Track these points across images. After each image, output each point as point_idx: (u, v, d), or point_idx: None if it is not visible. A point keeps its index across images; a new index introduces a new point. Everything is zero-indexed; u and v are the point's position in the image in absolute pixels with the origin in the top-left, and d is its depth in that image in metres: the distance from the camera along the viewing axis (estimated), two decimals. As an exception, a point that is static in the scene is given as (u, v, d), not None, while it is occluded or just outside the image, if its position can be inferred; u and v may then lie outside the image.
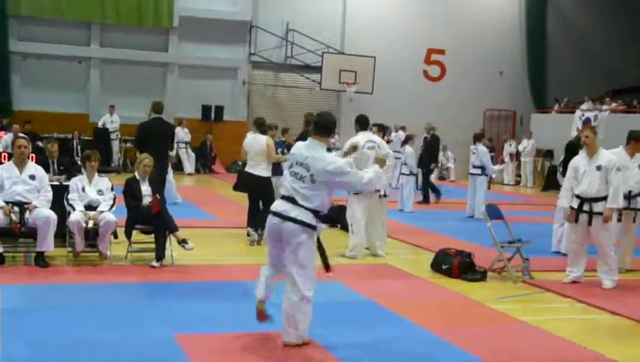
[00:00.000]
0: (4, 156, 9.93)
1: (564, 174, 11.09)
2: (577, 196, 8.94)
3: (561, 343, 6.66)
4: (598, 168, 8.80)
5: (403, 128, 22.44)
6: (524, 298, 8.41)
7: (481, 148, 15.39)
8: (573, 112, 24.98)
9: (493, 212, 9.90)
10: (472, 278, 9.10)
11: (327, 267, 6.10)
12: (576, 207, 8.93)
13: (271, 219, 6.03)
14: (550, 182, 23.68)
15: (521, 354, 6.27)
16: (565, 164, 11.10)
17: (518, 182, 25.78)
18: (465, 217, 15.19)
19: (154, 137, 11.34)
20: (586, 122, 24.13)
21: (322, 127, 6.13)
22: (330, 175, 5.88)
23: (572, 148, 11.11)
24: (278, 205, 6.02)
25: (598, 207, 8.79)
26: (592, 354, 6.34)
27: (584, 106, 24.87)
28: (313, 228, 5.89)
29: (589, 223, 8.85)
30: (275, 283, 6.19)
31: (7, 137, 13.99)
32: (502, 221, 9.79)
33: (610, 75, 27.53)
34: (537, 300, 8.38)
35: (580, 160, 9.07)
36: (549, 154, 24.79)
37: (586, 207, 8.87)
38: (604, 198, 8.76)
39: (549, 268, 9.91)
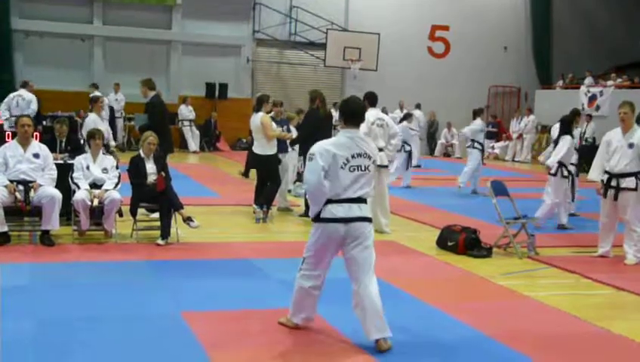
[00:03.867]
0: (8, 135, 9.93)
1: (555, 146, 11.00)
2: (606, 171, 8.97)
3: (566, 318, 6.67)
4: (630, 146, 8.80)
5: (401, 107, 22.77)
6: (529, 273, 8.42)
7: (475, 122, 15.52)
8: (578, 88, 24.92)
9: (499, 188, 9.88)
10: (477, 255, 9.11)
11: None
12: (605, 181, 8.96)
13: (333, 227, 5.48)
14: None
15: (526, 330, 6.27)
16: (557, 140, 11.00)
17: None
18: (469, 193, 15.17)
19: (164, 115, 11.35)
20: (592, 98, 24.11)
21: (356, 115, 5.65)
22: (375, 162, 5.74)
23: (565, 125, 11.02)
24: (340, 210, 5.46)
25: (625, 182, 8.82)
26: (597, 330, 6.35)
27: (586, 82, 24.81)
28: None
29: (615, 198, 8.87)
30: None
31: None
32: (507, 197, 9.78)
33: (615, 50, 27.37)
34: (543, 276, 8.39)
35: (613, 135, 9.04)
36: (553, 130, 24.70)
37: (613, 183, 8.89)
38: (632, 175, 8.79)
39: (554, 244, 9.92)
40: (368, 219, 5.60)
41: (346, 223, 5.48)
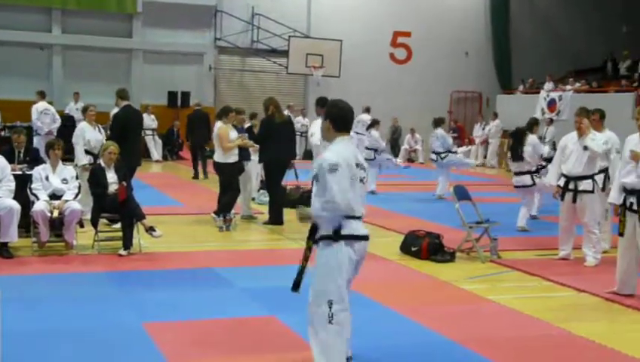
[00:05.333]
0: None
1: (513, 159, 11.34)
2: (563, 175, 9.10)
3: (529, 321, 6.73)
4: (585, 148, 8.93)
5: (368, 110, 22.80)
6: (492, 277, 8.48)
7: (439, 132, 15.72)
8: (538, 93, 25.24)
9: (461, 193, 9.94)
10: (441, 259, 9.15)
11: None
12: (562, 185, 9.07)
13: (361, 245, 5.07)
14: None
15: (490, 333, 6.32)
16: (513, 150, 11.30)
17: (484, 164, 25.99)
18: (434, 198, 15.21)
19: (132, 126, 11.23)
20: (551, 103, 24.42)
21: (349, 120, 5.15)
22: None
23: (518, 135, 11.34)
24: (360, 226, 5.07)
25: (582, 185, 8.96)
26: (559, 332, 6.41)
27: (546, 87, 25.15)
28: None
29: (574, 201, 8.98)
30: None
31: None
32: (469, 201, 9.86)
33: (574, 55, 27.79)
34: (505, 279, 8.45)
35: (569, 139, 9.19)
36: (514, 134, 24.96)
37: (571, 186, 9.01)
38: (589, 177, 8.93)
39: (516, 248, 10.01)
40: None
41: (365, 241, 5.06)
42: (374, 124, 16.83)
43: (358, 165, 4.99)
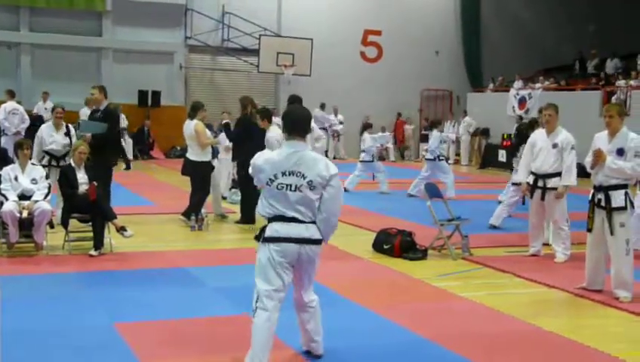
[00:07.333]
0: None
1: (514, 156, 11.41)
2: (532, 172, 9.17)
3: (500, 317, 6.78)
4: (554, 146, 9.02)
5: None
6: (464, 274, 8.54)
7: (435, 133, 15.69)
8: (508, 91, 25.47)
9: (432, 190, 10.01)
10: (413, 257, 9.20)
11: None
12: (531, 182, 9.16)
13: (285, 246, 5.00)
14: (487, 160, 24.12)
15: (461, 330, 6.36)
16: (517, 148, 11.38)
17: (457, 161, 26.16)
18: (405, 196, 15.31)
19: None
20: (522, 101, 24.66)
21: (299, 124, 5.13)
22: (324, 181, 5.02)
23: (522, 133, 11.41)
24: (286, 229, 4.99)
25: (551, 182, 9.04)
26: (530, 327, 6.48)
27: (516, 85, 25.41)
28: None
29: (542, 198, 9.06)
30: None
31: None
32: (441, 199, 9.92)
33: (543, 53, 28.06)
34: (477, 276, 8.52)
35: (537, 136, 9.26)
36: (485, 132, 25.22)
37: (540, 183, 9.10)
38: (558, 175, 9.00)
39: (487, 245, 10.08)
40: (315, 241, 5.08)
41: (293, 243, 4.99)
42: (368, 127, 16.93)
43: (291, 173, 4.97)
